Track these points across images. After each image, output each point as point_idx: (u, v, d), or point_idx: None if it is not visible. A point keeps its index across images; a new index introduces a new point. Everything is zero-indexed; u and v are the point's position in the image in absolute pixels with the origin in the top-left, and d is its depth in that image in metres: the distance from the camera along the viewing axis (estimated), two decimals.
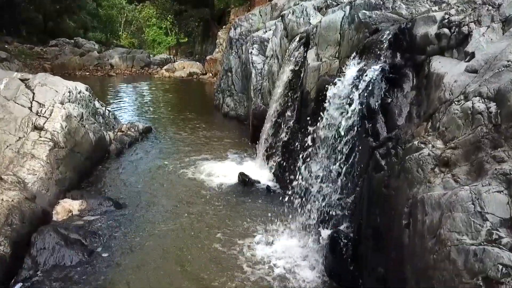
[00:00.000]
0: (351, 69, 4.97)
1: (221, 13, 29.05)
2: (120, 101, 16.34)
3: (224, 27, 24.76)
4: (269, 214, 6.09)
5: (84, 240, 5.42)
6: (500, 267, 2.09)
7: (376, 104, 4.36)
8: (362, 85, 4.55)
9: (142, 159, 8.90)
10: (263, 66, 10.14)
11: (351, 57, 5.21)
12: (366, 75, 4.53)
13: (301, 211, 5.44)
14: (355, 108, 4.61)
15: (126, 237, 5.57)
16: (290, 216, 5.70)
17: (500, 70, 2.84)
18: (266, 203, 6.70)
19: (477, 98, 2.90)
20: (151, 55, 32.30)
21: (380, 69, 4.47)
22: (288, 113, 7.32)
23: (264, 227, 5.80)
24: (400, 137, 3.72)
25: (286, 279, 4.65)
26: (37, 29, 35.23)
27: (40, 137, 7.21)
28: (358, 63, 4.97)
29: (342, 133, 4.68)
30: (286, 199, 5.87)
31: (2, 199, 5.32)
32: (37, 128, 7.39)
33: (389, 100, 4.23)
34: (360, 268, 4.17)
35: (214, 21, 30.33)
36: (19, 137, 7.12)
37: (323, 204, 5.04)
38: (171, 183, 7.55)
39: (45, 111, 7.69)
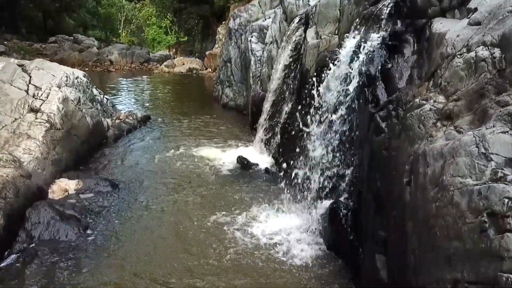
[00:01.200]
0: (351, 41, 4.90)
1: (221, 10, 29.01)
2: (119, 94, 16.27)
3: (223, 22, 24.71)
4: (268, 192, 6.02)
5: (80, 216, 5.34)
6: (506, 200, 2.01)
7: (376, 71, 4.28)
8: (362, 54, 4.49)
9: (140, 145, 8.82)
10: (262, 53, 10.08)
11: (351, 29, 5.14)
12: (366, 45, 4.46)
13: (300, 186, 5.35)
14: (354, 78, 4.55)
15: (122, 214, 5.49)
16: (289, 193, 5.61)
17: (504, 16, 2.77)
18: (264, 182, 6.63)
19: (481, 47, 2.82)
20: (150, 52, 32.24)
21: (380, 38, 4.40)
22: (287, 94, 7.23)
23: (263, 203, 5.71)
24: (401, 99, 3.64)
25: (284, 252, 4.56)
26: (37, 27, 35.17)
27: (36, 118, 7.13)
28: (358, 34, 4.89)
29: (342, 102, 4.61)
30: (285, 178, 5.79)
31: None
32: (33, 110, 7.31)
33: (389, 65, 4.15)
34: (359, 237, 4.09)
35: (214, 19, 30.29)
36: (15, 118, 7.04)
37: (322, 178, 4.96)
38: (169, 166, 7.47)
39: (42, 94, 7.61)
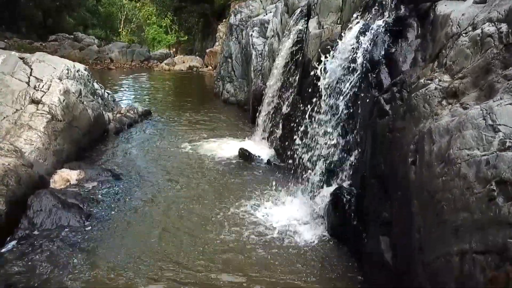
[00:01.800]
0: (354, 28, 4.89)
1: (222, 8, 28.98)
2: (119, 90, 16.23)
3: (224, 20, 24.68)
4: (270, 181, 5.99)
5: (82, 205, 5.31)
6: None
7: (380, 56, 4.26)
8: (365, 40, 4.48)
9: (141, 137, 8.80)
10: (264, 47, 10.06)
11: (354, 17, 5.13)
12: (369, 31, 4.46)
13: (302, 174, 5.34)
14: (357, 64, 4.53)
15: (123, 203, 5.47)
16: (291, 182, 5.59)
17: None
18: (266, 172, 6.62)
19: (487, 23, 2.81)
20: (150, 51, 32.21)
21: (384, 24, 4.39)
22: (289, 85, 7.22)
23: (265, 192, 5.70)
24: (405, 81, 3.62)
25: (286, 239, 4.55)
26: (37, 26, 35.14)
27: (38, 110, 7.11)
28: (361, 21, 4.88)
29: (345, 88, 4.59)
30: (287, 167, 5.77)
31: None
32: (35, 101, 7.29)
33: (393, 50, 4.14)
34: (363, 221, 4.07)
35: (214, 18, 30.27)
36: (16, 109, 7.03)
37: (325, 165, 4.95)
38: (170, 158, 7.44)
39: (43, 85, 7.59)
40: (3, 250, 4.27)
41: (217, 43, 24.55)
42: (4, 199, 4.59)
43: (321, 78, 5.34)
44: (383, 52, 4.24)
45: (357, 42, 4.59)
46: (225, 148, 8.08)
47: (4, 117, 6.81)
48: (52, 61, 8.52)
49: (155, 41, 55.91)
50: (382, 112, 3.74)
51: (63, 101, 7.42)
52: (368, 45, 4.41)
